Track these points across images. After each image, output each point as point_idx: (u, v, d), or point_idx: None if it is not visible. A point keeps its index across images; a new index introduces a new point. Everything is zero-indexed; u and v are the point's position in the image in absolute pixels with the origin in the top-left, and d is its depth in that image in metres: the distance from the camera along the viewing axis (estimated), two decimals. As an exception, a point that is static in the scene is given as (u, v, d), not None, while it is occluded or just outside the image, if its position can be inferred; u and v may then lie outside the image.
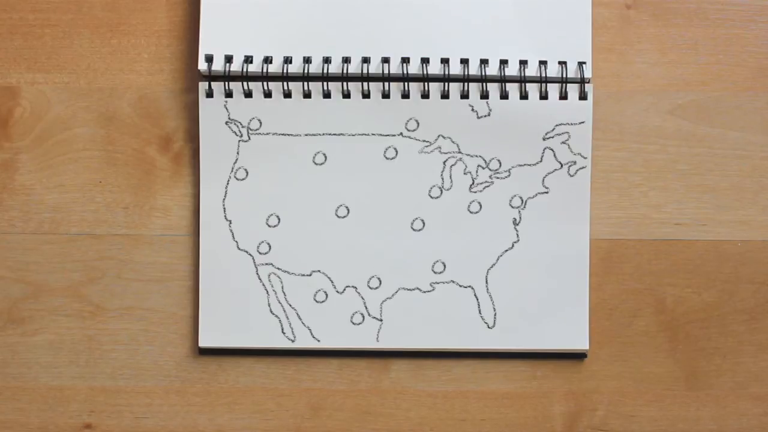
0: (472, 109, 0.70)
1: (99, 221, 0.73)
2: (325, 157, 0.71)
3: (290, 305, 0.71)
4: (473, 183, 0.71)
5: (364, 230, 0.71)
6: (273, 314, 0.71)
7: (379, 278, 0.71)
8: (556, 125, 0.70)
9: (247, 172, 0.71)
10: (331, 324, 0.71)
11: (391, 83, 0.70)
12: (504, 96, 0.70)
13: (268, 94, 0.71)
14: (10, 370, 0.72)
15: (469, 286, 0.71)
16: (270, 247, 0.71)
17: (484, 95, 0.70)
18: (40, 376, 0.72)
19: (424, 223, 0.71)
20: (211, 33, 0.71)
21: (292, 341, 0.71)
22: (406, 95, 0.71)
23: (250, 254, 0.71)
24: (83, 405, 0.72)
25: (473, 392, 0.72)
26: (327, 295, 0.71)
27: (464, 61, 0.70)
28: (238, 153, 0.71)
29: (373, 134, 0.71)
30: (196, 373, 0.72)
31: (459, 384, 0.72)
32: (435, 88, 0.70)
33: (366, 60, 0.70)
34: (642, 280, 0.71)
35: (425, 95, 0.70)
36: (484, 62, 0.70)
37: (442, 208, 0.71)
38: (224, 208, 0.71)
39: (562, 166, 0.71)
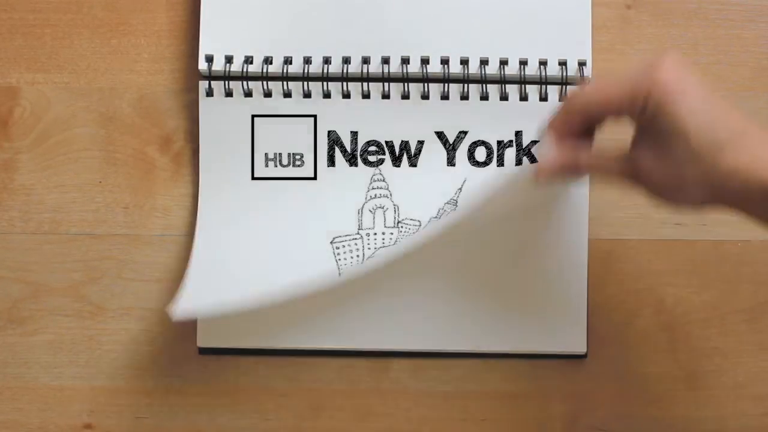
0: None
1: (99, 221, 0.73)
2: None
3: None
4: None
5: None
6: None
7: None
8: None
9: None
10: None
11: (391, 84, 0.70)
12: (504, 98, 0.70)
13: (268, 94, 0.71)
14: (10, 370, 0.72)
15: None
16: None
17: (484, 97, 0.70)
18: (40, 376, 0.72)
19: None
20: (211, 33, 0.71)
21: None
22: (406, 96, 0.70)
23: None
24: (83, 405, 0.72)
25: (473, 392, 0.72)
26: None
27: (464, 62, 0.70)
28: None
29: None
30: (196, 373, 0.72)
31: (459, 384, 0.72)
32: (435, 89, 0.70)
33: (366, 60, 0.70)
34: (642, 280, 0.71)
35: (425, 96, 0.70)
36: (483, 62, 0.70)
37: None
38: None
39: (562, 167, 0.70)
